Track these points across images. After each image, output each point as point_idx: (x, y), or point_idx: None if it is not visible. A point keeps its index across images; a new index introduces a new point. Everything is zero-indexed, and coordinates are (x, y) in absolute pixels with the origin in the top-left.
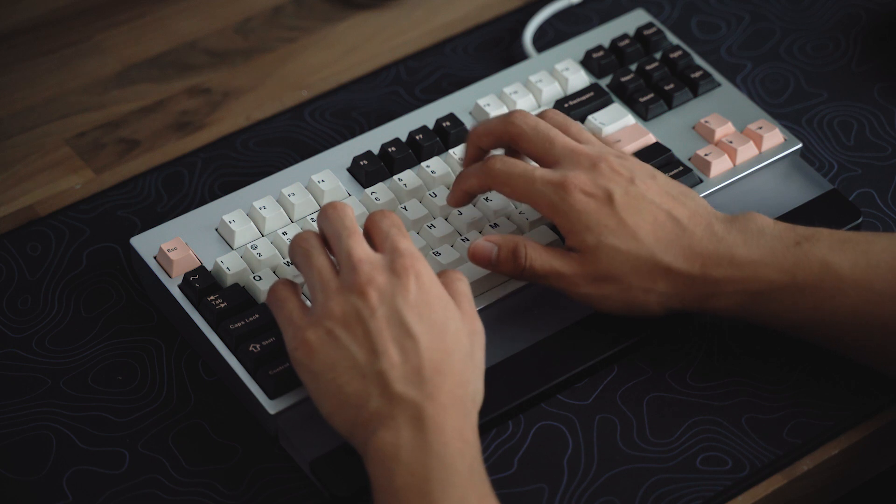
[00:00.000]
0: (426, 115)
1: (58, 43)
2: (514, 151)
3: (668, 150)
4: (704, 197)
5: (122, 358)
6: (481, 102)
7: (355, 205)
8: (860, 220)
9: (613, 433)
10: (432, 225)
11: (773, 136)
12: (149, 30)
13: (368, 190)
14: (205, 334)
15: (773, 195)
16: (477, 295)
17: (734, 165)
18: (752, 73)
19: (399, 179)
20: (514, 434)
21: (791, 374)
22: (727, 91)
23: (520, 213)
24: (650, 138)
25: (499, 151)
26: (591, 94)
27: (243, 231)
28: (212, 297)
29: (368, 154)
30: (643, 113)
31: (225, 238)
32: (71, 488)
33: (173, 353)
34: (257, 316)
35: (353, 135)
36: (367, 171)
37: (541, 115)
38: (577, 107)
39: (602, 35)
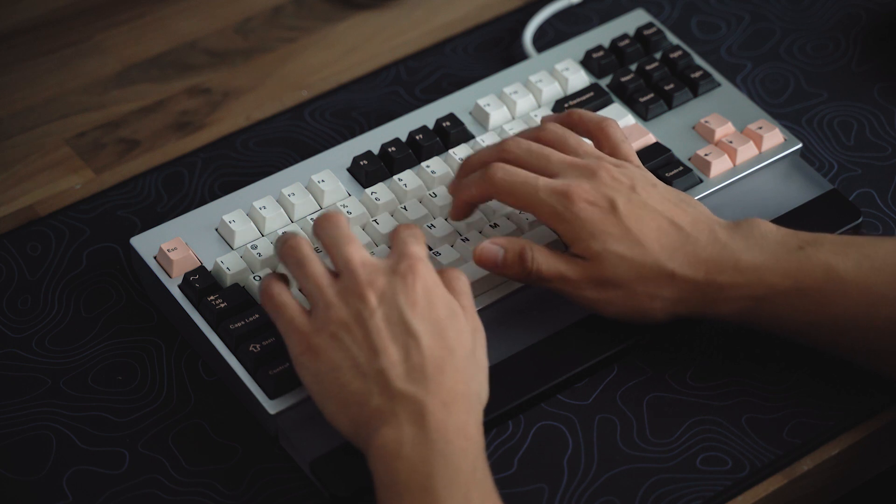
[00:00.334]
0: (426, 115)
1: (58, 43)
2: None
3: (668, 150)
4: (704, 197)
5: (122, 358)
6: (481, 102)
7: (355, 205)
8: (860, 220)
9: (613, 433)
10: (432, 225)
11: (773, 136)
12: (149, 30)
13: (368, 190)
14: (205, 334)
15: (773, 195)
16: (477, 295)
17: (734, 165)
18: (752, 73)
19: (399, 179)
20: (514, 434)
21: (791, 375)
22: (727, 91)
23: (519, 213)
24: (650, 138)
25: None
26: (591, 94)
27: (243, 231)
28: (212, 297)
29: (368, 154)
30: (643, 113)
31: (225, 238)
32: (71, 488)
33: (173, 353)
34: (257, 316)
35: (353, 135)
36: (367, 171)
37: (539, 130)
38: (577, 107)
39: (602, 35)
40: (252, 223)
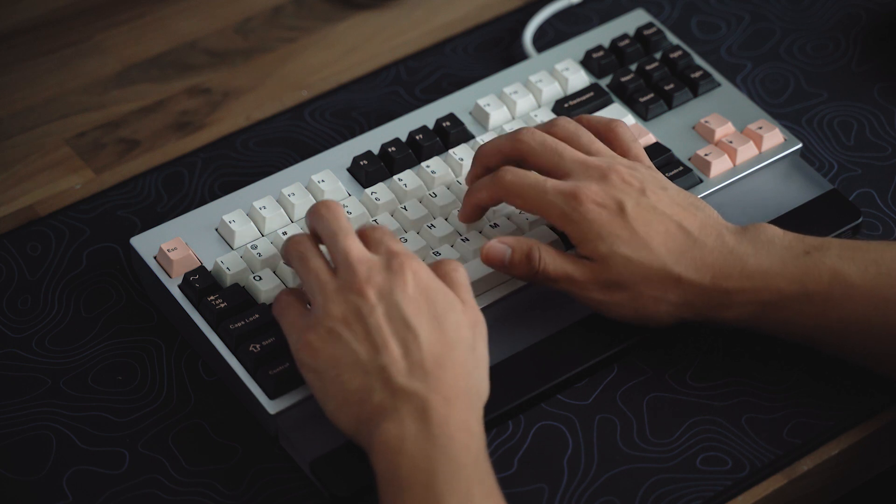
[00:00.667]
0: (426, 115)
1: (58, 43)
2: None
3: (668, 150)
4: (704, 197)
5: (122, 358)
6: (481, 102)
7: (355, 205)
8: (860, 220)
9: (613, 433)
10: (432, 225)
11: (773, 136)
12: (149, 30)
13: (368, 190)
14: (205, 334)
15: (773, 195)
16: (478, 294)
17: (734, 165)
18: (752, 73)
19: (399, 179)
20: (514, 434)
21: (791, 375)
22: (727, 91)
23: (520, 213)
24: (650, 138)
25: None
26: (591, 94)
27: (243, 231)
28: (212, 297)
29: (368, 154)
30: (643, 113)
31: (225, 238)
32: (71, 488)
33: (173, 353)
34: (257, 316)
35: (353, 135)
36: (367, 171)
37: (550, 125)
38: (577, 107)
39: (602, 35)
40: (252, 223)
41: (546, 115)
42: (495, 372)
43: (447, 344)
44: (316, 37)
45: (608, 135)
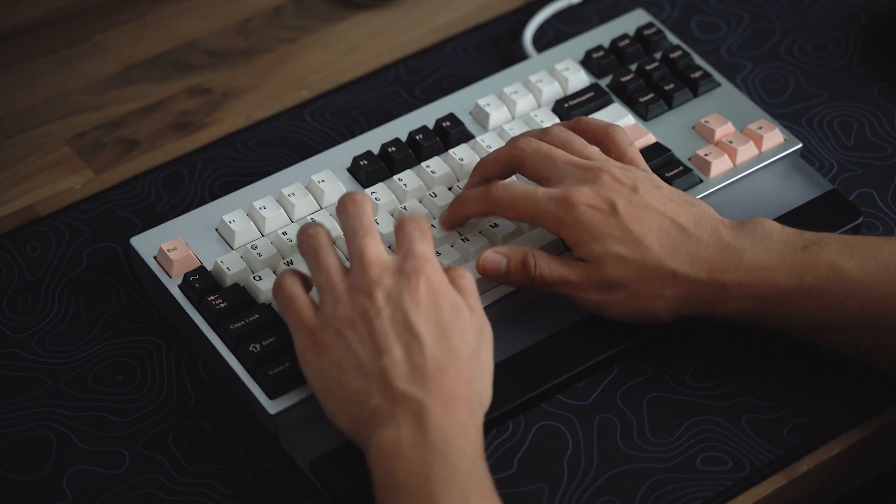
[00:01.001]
0: (426, 115)
1: (58, 43)
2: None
3: (668, 150)
4: (704, 197)
5: (122, 358)
6: (481, 102)
7: None
8: (860, 220)
9: (613, 433)
10: (432, 225)
11: (773, 136)
12: (149, 30)
13: (368, 190)
14: (205, 334)
15: (773, 195)
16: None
17: (734, 165)
18: (752, 73)
19: (399, 179)
20: (514, 434)
21: (791, 375)
22: (727, 91)
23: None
24: (650, 138)
25: None
26: (591, 94)
27: (243, 231)
28: (212, 297)
29: (368, 154)
30: (643, 113)
31: (225, 238)
32: (71, 488)
33: (173, 353)
34: (257, 316)
35: (353, 135)
36: (367, 171)
37: (544, 132)
38: (577, 107)
39: (602, 35)
40: (252, 223)
41: (546, 115)
42: (496, 372)
43: (451, 350)
44: (316, 37)
45: (605, 139)
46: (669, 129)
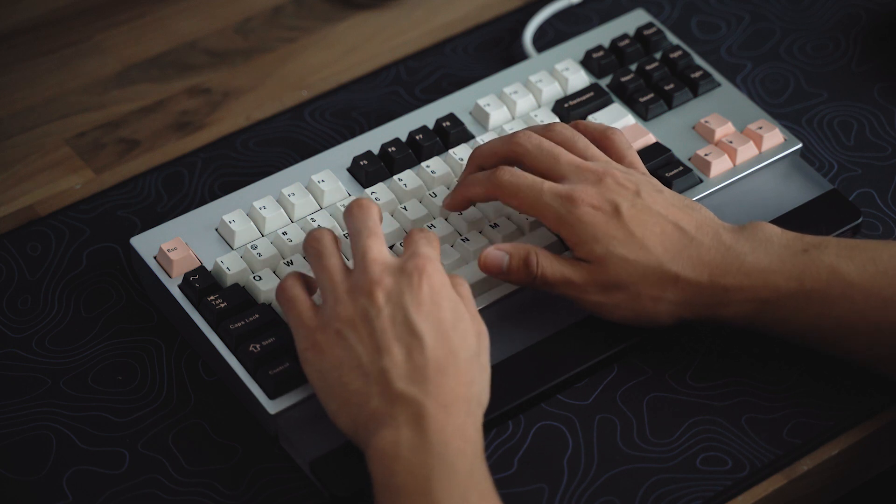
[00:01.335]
0: (426, 115)
1: (58, 43)
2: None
3: (668, 150)
4: (704, 197)
5: (122, 358)
6: (481, 102)
7: None
8: (860, 220)
9: (613, 433)
10: (432, 225)
11: (773, 136)
12: (149, 30)
13: (368, 190)
14: (205, 334)
15: (773, 195)
16: (477, 295)
17: (734, 165)
18: (752, 73)
19: (399, 179)
20: (514, 434)
21: (791, 374)
22: (727, 91)
23: (520, 212)
24: (650, 138)
25: None
26: (591, 94)
27: (243, 231)
28: (212, 297)
29: (368, 154)
30: (643, 113)
31: (225, 238)
32: (71, 488)
33: (173, 353)
34: (257, 316)
35: (353, 135)
36: (367, 171)
37: (547, 129)
38: (577, 107)
39: (602, 35)
40: (252, 223)
41: (546, 115)
42: (495, 372)
43: (451, 351)
44: (316, 37)
45: (604, 142)
46: (669, 129)
